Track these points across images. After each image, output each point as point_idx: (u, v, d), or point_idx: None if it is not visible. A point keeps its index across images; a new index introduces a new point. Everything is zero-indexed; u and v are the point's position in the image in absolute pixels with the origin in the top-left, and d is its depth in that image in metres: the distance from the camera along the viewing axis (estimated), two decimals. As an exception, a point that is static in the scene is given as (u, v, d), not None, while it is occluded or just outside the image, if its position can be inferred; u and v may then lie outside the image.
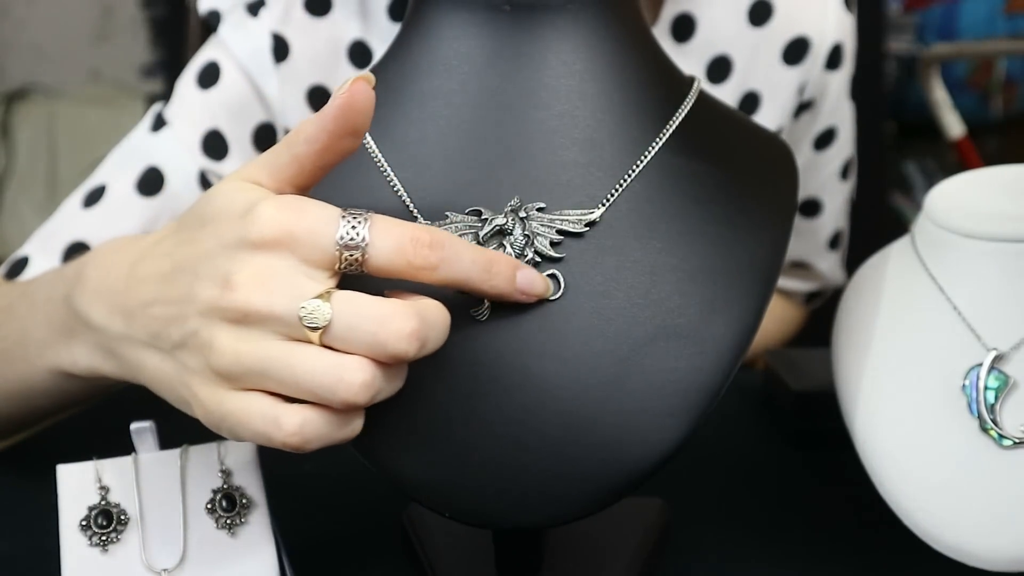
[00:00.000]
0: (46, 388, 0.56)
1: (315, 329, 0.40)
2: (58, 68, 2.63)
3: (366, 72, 0.43)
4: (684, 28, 0.80)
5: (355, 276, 0.43)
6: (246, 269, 0.41)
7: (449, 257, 0.42)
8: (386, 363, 0.42)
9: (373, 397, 0.42)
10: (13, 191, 2.48)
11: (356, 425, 0.43)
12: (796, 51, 0.82)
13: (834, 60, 0.83)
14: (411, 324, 0.41)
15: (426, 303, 0.42)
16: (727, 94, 0.81)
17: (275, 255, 0.41)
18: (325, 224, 0.41)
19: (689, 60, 0.80)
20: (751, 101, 0.82)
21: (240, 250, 0.42)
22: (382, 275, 0.42)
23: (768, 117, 0.82)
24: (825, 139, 0.88)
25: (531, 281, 0.45)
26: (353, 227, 0.41)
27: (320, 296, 0.41)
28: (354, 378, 0.41)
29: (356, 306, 0.41)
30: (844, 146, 0.89)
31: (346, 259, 0.41)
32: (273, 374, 0.41)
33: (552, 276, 0.47)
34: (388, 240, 0.41)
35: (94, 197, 0.75)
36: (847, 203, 0.93)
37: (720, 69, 0.81)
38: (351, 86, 0.42)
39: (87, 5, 2.63)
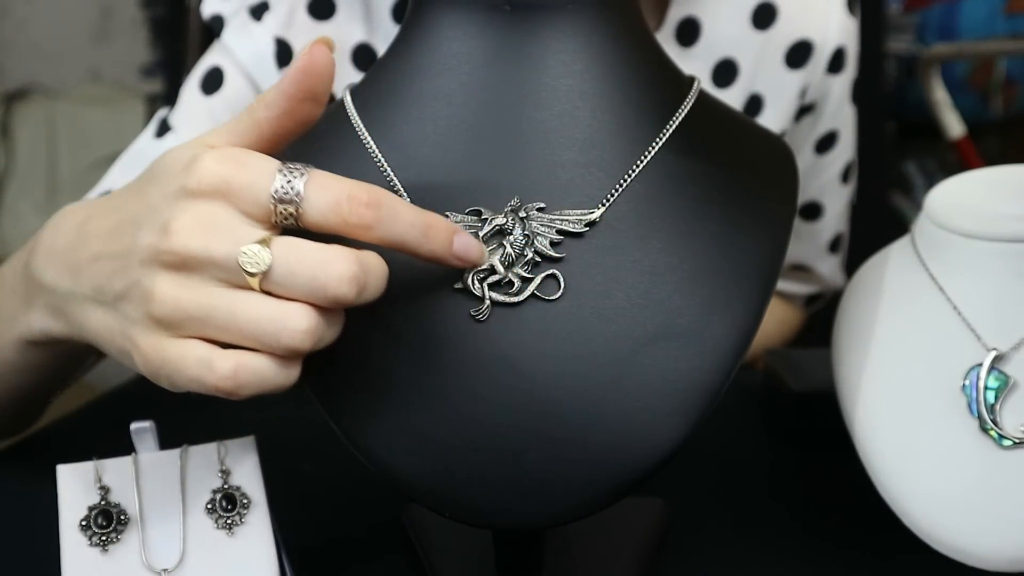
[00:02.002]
0: (15, 362, 0.56)
1: (254, 274, 0.41)
2: (58, 68, 2.63)
3: (325, 35, 0.44)
4: (689, 32, 0.80)
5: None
6: (184, 216, 0.42)
7: (385, 217, 0.42)
8: (327, 308, 0.42)
9: (315, 344, 0.42)
10: (13, 191, 2.48)
11: (292, 373, 0.43)
12: (799, 54, 0.82)
13: (836, 64, 0.83)
14: (352, 268, 0.41)
15: (365, 251, 0.42)
16: (733, 97, 0.81)
17: (213, 204, 0.42)
18: (261, 176, 0.42)
19: (694, 64, 0.80)
20: (755, 104, 0.82)
21: (180, 199, 0.42)
22: (318, 231, 0.42)
23: (770, 120, 0.82)
24: (826, 142, 0.88)
25: (467, 247, 0.45)
26: (289, 181, 0.41)
27: (260, 241, 0.41)
28: (298, 325, 0.41)
29: (296, 251, 0.41)
30: (845, 149, 0.89)
31: (281, 212, 0.41)
32: (214, 321, 0.41)
33: (552, 276, 0.47)
34: (324, 196, 0.41)
35: None
36: (848, 206, 0.93)
37: (726, 73, 0.81)
38: (310, 49, 0.43)
39: (87, 5, 2.63)
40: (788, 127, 0.84)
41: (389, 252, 0.47)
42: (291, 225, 0.42)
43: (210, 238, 0.41)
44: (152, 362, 0.43)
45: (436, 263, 0.45)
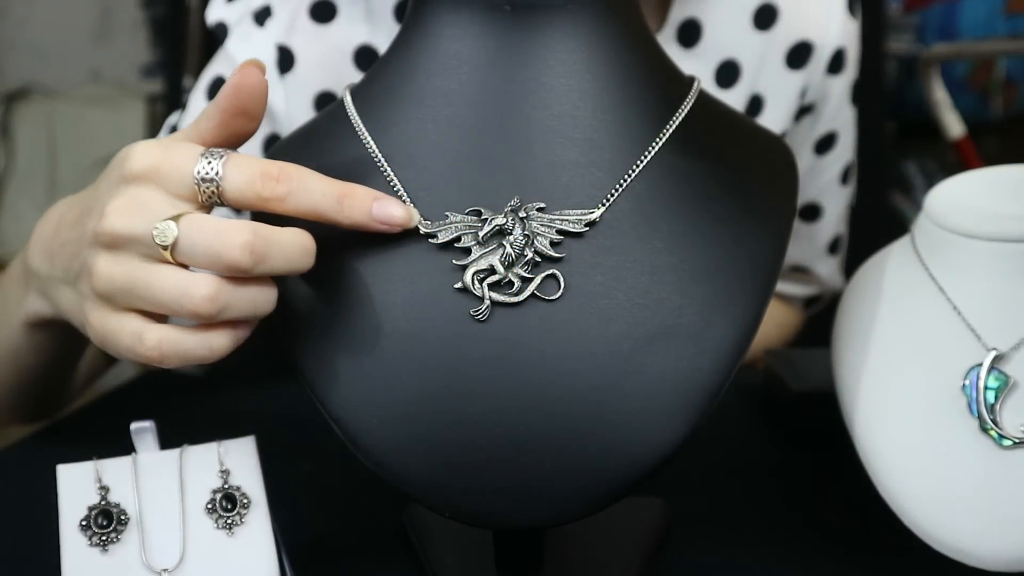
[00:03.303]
0: (25, 344, 0.62)
1: (165, 247, 0.45)
2: (58, 68, 2.63)
3: (256, 58, 0.48)
4: (690, 33, 0.80)
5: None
6: (118, 200, 0.47)
7: (296, 189, 0.46)
8: (233, 278, 0.45)
9: (220, 311, 0.45)
10: (13, 191, 2.48)
11: (216, 345, 0.46)
12: (799, 55, 0.82)
13: (836, 64, 0.83)
14: (244, 237, 0.44)
15: (279, 227, 0.46)
16: (735, 98, 0.81)
17: (144, 187, 0.46)
18: (186, 160, 0.46)
19: (697, 65, 0.80)
20: (756, 104, 0.82)
21: (118, 185, 0.47)
22: (239, 207, 0.46)
23: (771, 120, 0.82)
24: (826, 143, 0.88)
25: (389, 212, 0.47)
26: (209, 163, 0.46)
27: (172, 218, 0.45)
28: (198, 291, 0.45)
29: (199, 224, 0.45)
30: (845, 151, 0.89)
31: (204, 191, 0.46)
32: (137, 292, 0.46)
33: (552, 276, 0.47)
34: (240, 174, 0.46)
35: None
36: (847, 208, 0.93)
37: (728, 73, 0.81)
38: (240, 69, 0.47)
39: (87, 5, 2.63)
40: (788, 127, 0.84)
41: (390, 256, 0.48)
42: (216, 203, 0.47)
43: (134, 217, 0.46)
44: (98, 333, 0.48)
45: (361, 230, 0.47)
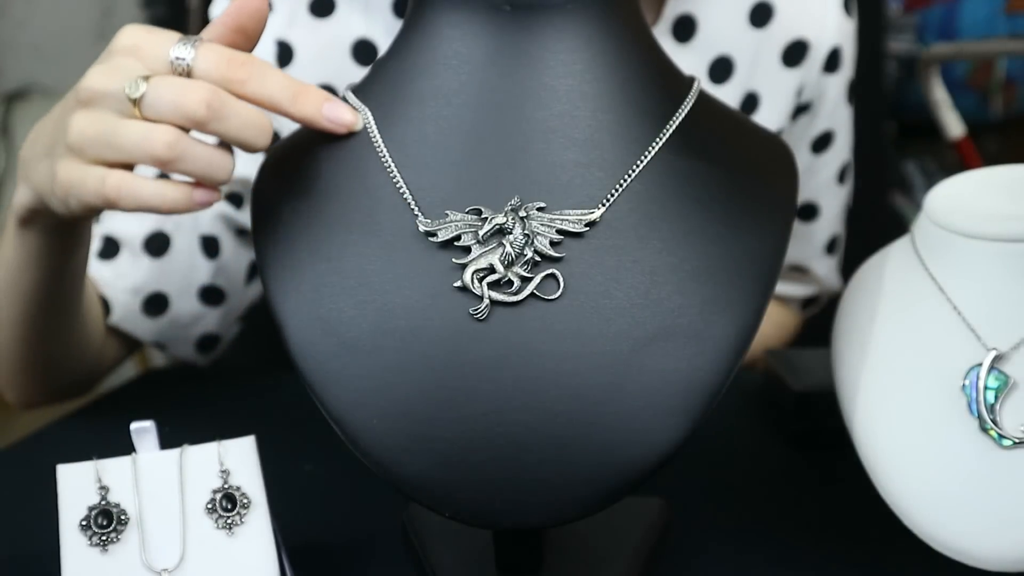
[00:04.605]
0: (16, 259, 0.64)
1: (134, 101, 0.50)
2: (58, 68, 2.62)
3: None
4: (685, 28, 0.81)
5: None
6: (100, 66, 0.52)
7: (256, 75, 0.50)
8: (191, 131, 0.49)
9: (177, 158, 0.49)
10: (13, 191, 2.48)
11: (169, 196, 0.50)
12: (795, 53, 0.82)
13: (832, 63, 0.83)
14: (206, 94, 0.49)
15: (240, 102, 0.50)
16: (729, 94, 0.81)
17: (124, 58, 0.52)
18: (165, 42, 0.51)
19: (690, 60, 0.80)
20: (751, 102, 0.83)
21: (103, 58, 0.53)
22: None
23: (767, 118, 0.82)
24: (822, 142, 0.88)
25: (338, 112, 0.52)
26: (185, 46, 0.51)
27: (143, 77, 0.50)
28: (159, 136, 0.49)
29: (166, 80, 0.50)
30: (841, 150, 0.89)
31: (176, 68, 0.50)
32: (105, 139, 0.50)
33: (552, 276, 0.47)
34: (209, 57, 0.50)
35: None
36: (844, 208, 0.93)
37: (722, 69, 0.81)
38: None
39: (87, 5, 2.63)
40: (784, 126, 0.84)
41: (390, 254, 0.48)
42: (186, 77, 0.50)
43: (110, 77, 0.51)
44: (62, 184, 0.52)
45: (311, 126, 0.52)
